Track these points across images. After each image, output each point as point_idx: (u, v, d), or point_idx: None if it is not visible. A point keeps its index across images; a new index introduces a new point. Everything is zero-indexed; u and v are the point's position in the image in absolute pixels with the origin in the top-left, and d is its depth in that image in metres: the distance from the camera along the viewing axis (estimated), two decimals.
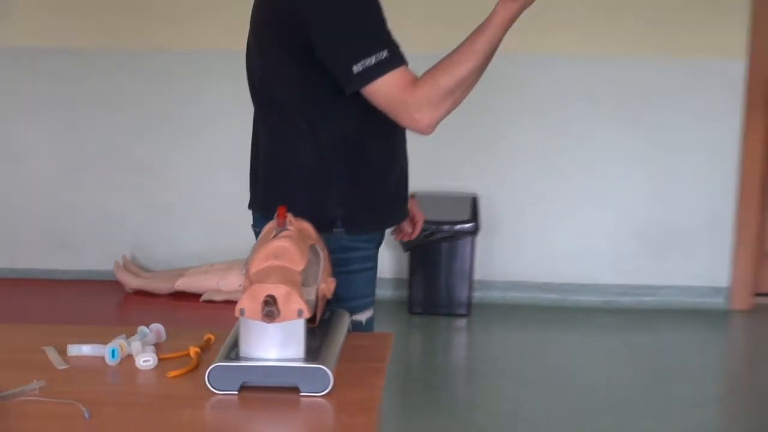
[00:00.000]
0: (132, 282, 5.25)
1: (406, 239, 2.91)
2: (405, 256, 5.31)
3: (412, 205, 2.83)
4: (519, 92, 5.33)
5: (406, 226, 2.85)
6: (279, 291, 2.05)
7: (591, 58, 5.28)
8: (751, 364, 5.07)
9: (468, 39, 2.36)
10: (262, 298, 2.04)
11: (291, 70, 2.48)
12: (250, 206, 2.71)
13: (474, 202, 5.27)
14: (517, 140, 5.37)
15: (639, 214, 5.43)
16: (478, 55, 2.34)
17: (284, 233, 2.17)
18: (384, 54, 2.32)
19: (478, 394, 4.56)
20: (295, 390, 2.08)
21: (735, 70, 5.28)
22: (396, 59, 2.34)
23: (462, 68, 2.34)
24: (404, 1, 4.88)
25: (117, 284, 5.29)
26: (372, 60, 2.31)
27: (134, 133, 5.46)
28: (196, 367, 2.20)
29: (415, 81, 2.34)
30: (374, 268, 2.66)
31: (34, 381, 2.10)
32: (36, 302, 5.12)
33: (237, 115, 5.27)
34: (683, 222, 5.42)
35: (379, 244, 2.70)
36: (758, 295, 5.53)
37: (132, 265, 5.37)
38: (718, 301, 5.45)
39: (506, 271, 5.47)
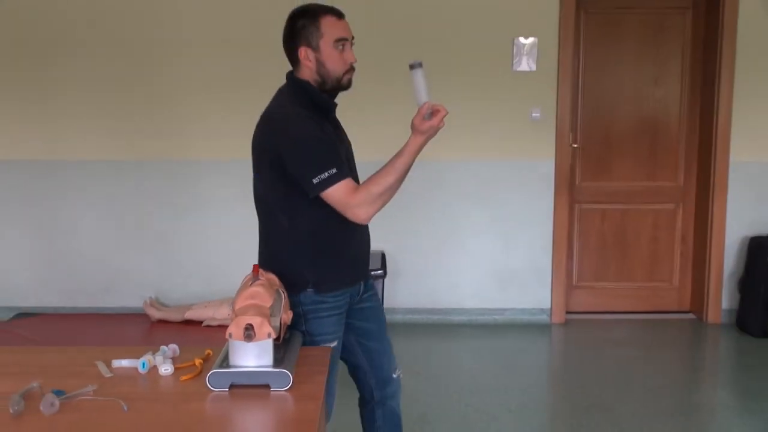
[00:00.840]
0: (155, 314, 5.15)
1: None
2: None
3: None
4: (413, 185, 5.36)
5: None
6: (255, 321, 2.05)
7: (458, 161, 5.35)
8: (566, 359, 5.11)
9: (391, 159, 2.38)
10: (243, 325, 2.04)
11: (274, 182, 2.45)
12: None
13: (383, 256, 5.27)
14: (413, 216, 5.39)
15: (490, 261, 5.47)
16: (397, 171, 2.37)
17: (257, 282, 2.18)
18: (333, 170, 2.32)
19: None
20: (267, 387, 2.07)
21: (547, 167, 5.36)
22: (341, 174, 2.33)
23: (387, 180, 2.36)
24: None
25: (145, 316, 5.18)
26: (325, 174, 2.31)
27: (156, 215, 5.41)
28: (200, 373, 2.18)
29: (356, 188, 2.36)
30: (339, 313, 2.55)
31: (89, 385, 2.08)
32: (90, 331, 5.00)
33: (226, 204, 5.32)
34: (519, 265, 5.48)
35: (360, 291, 2.64)
36: (569, 312, 5.58)
37: (155, 302, 5.27)
38: (543, 318, 5.49)
39: (405, 301, 5.47)
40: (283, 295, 2.29)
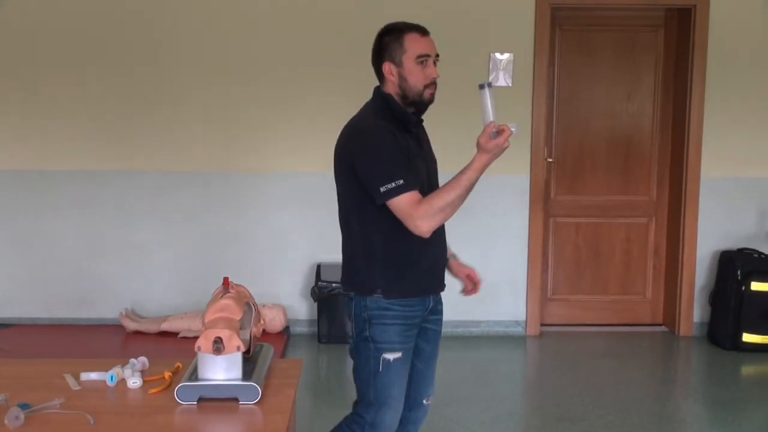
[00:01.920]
0: (131, 326, 5.12)
1: (472, 294, 2.85)
2: (315, 304, 5.25)
3: (459, 268, 2.83)
4: None
5: (467, 285, 2.84)
6: (224, 334, 2.03)
7: None
8: (541, 370, 5.11)
9: (456, 175, 2.41)
10: (212, 338, 2.02)
11: (349, 189, 2.52)
12: None
13: None
14: None
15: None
16: (461, 187, 2.39)
17: (228, 295, 2.16)
18: (400, 181, 2.36)
19: None
20: (236, 400, 2.05)
21: (522, 181, 5.38)
22: (407, 186, 2.37)
23: (450, 195, 2.39)
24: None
25: (121, 327, 5.16)
26: (392, 185, 2.36)
27: (133, 227, 5.36)
28: (169, 386, 2.16)
29: (420, 200, 2.38)
30: (405, 324, 2.54)
31: (56, 398, 2.05)
32: (65, 342, 4.97)
33: (204, 216, 5.29)
34: (494, 278, 5.44)
35: (429, 308, 2.64)
36: (543, 325, 5.59)
37: (131, 314, 5.24)
38: (518, 330, 5.49)
39: None
40: (254, 307, 2.27)
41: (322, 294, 5.15)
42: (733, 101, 5.33)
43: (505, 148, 2.39)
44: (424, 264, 2.58)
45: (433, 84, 2.52)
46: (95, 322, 5.35)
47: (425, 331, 2.68)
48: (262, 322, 2.32)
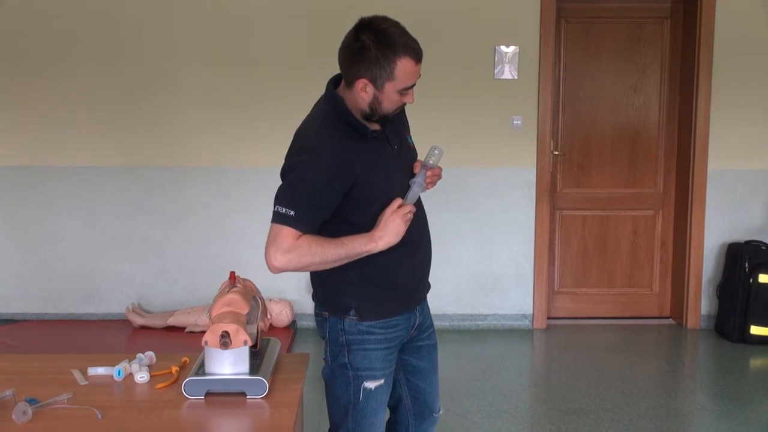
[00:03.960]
0: (138, 320, 5.12)
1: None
2: None
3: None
4: None
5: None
6: (231, 328, 2.02)
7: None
8: (547, 364, 5.10)
9: (343, 243, 2.14)
10: (219, 333, 2.02)
11: None
12: None
13: None
14: None
15: (472, 267, 5.46)
16: (341, 257, 2.14)
17: (234, 289, 2.16)
18: (292, 213, 2.08)
19: None
20: (243, 394, 2.05)
21: (528, 174, 5.36)
22: (296, 222, 2.08)
23: (325, 257, 2.12)
24: None
25: (127, 322, 5.17)
26: (283, 210, 2.09)
27: (139, 222, 5.36)
28: (176, 381, 2.16)
29: (296, 239, 2.09)
30: (388, 347, 2.29)
31: (64, 393, 2.05)
32: (72, 337, 4.98)
33: (210, 211, 5.29)
34: (501, 272, 5.47)
35: (415, 325, 2.38)
36: (550, 318, 5.58)
37: (138, 309, 5.25)
38: (525, 323, 5.48)
39: None
40: (261, 302, 2.26)
41: None
42: (740, 93, 5.30)
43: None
44: (401, 280, 2.31)
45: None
46: (102, 318, 5.36)
47: (418, 350, 2.44)
48: (268, 316, 2.32)
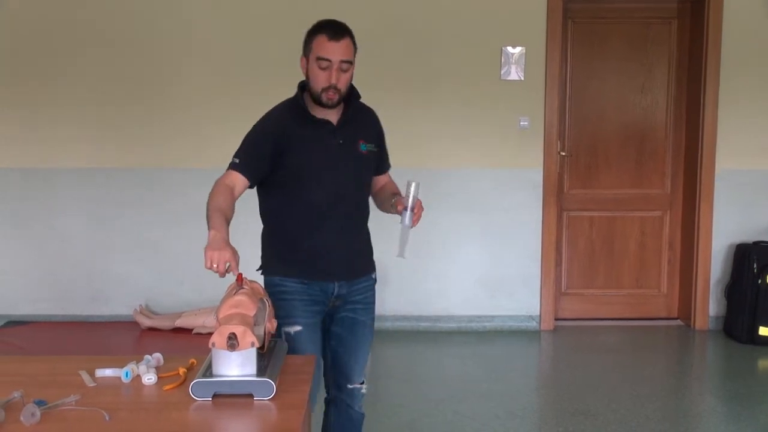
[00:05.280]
0: (145, 322, 5.13)
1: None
2: None
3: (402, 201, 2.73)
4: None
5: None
6: (238, 330, 2.02)
7: (446, 169, 5.33)
8: (555, 365, 5.10)
9: (212, 213, 2.56)
10: (227, 334, 2.02)
11: None
12: None
13: None
14: (398, 226, 5.36)
15: (480, 269, 5.45)
16: (207, 215, 2.59)
17: (241, 291, 2.16)
18: (236, 160, 2.58)
19: (377, 390, 4.50)
20: (250, 396, 2.05)
21: (535, 175, 5.35)
22: (237, 166, 2.57)
23: (209, 203, 2.60)
24: None
25: (135, 324, 5.17)
26: (234, 159, 2.60)
27: (147, 223, 5.37)
28: (184, 382, 2.15)
29: (233, 182, 2.57)
30: (303, 299, 2.63)
31: (72, 395, 2.05)
32: (80, 339, 4.99)
33: None
34: (508, 273, 5.46)
35: (334, 294, 2.70)
36: (557, 319, 5.57)
37: (145, 310, 5.26)
38: (532, 325, 5.47)
39: (394, 308, 5.44)
40: (268, 303, 2.26)
41: None
42: (747, 93, 5.29)
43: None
44: (305, 249, 2.65)
45: (331, 89, 2.55)
46: (110, 319, 5.37)
47: (341, 320, 2.75)
48: (275, 318, 2.32)
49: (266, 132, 2.61)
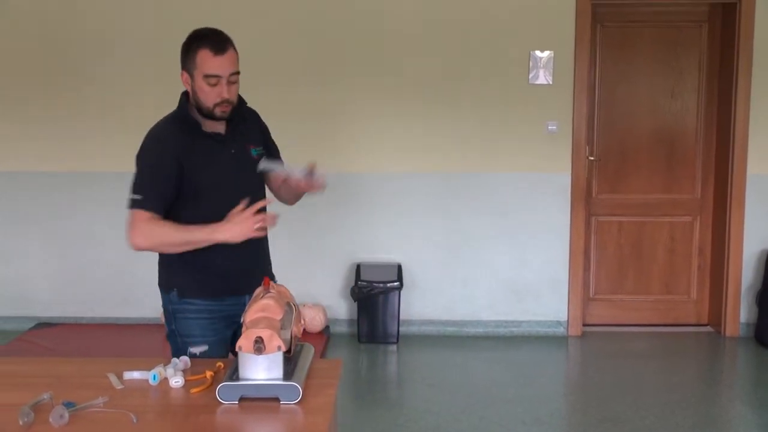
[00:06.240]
0: None
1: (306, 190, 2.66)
2: (355, 304, 5.25)
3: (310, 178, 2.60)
4: (430, 196, 5.34)
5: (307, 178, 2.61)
6: (265, 333, 2.02)
7: (474, 173, 5.32)
8: (583, 371, 5.05)
9: (197, 228, 2.44)
10: (253, 338, 2.02)
11: None
12: None
13: (399, 268, 5.25)
14: (429, 227, 5.38)
15: (507, 274, 5.42)
16: (190, 242, 2.46)
17: (268, 295, 2.16)
18: (139, 197, 2.45)
19: (404, 394, 4.51)
20: (276, 399, 2.05)
21: (563, 180, 5.31)
22: (143, 203, 2.44)
23: (175, 238, 2.46)
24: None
25: (163, 327, 5.10)
26: (135, 196, 2.47)
27: None
28: (211, 386, 2.16)
29: (149, 219, 2.43)
30: (208, 318, 2.58)
31: (100, 397, 2.07)
32: (108, 341, 5.03)
33: None
34: (535, 278, 5.43)
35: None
36: (585, 325, 5.52)
37: None
38: (560, 330, 5.43)
39: (421, 312, 5.43)
40: (294, 307, 2.26)
41: (361, 293, 5.15)
42: None
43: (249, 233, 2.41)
44: (221, 268, 2.56)
45: (225, 103, 2.46)
46: (138, 322, 5.41)
47: None
48: (302, 321, 2.32)
49: (164, 156, 2.48)
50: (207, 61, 2.42)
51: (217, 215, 2.46)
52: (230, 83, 2.46)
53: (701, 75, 5.41)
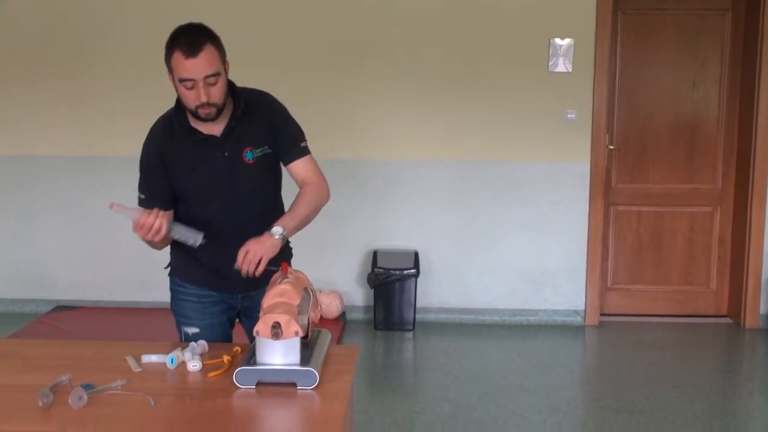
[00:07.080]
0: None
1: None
2: (371, 291, 5.26)
3: None
4: (447, 184, 5.33)
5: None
6: (282, 319, 2.03)
7: (492, 161, 5.30)
8: (600, 361, 5.04)
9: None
10: (271, 323, 2.02)
11: None
12: None
13: (416, 255, 5.25)
14: (446, 216, 5.37)
15: (524, 262, 5.41)
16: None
17: (286, 280, 2.16)
18: (142, 197, 2.57)
19: (420, 382, 4.51)
20: (293, 385, 2.05)
21: (582, 168, 5.28)
22: (147, 204, 2.51)
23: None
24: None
25: None
26: (138, 194, 2.60)
27: None
28: (228, 370, 2.17)
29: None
30: (201, 302, 2.63)
31: (118, 380, 2.08)
32: (126, 324, 5.06)
33: None
34: (553, 267, 5.41)
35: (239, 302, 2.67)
36: (603, 315, 5.50)
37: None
38: (577, 320, 5.41)
39: (437, 300, 5.43)
40: (312, 293, 2.26)
41: (378, 280, 5.16)
42: None
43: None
44: (203, 264, 2.60)
45: (205, 105, 2.35)
46: (156, 306, 5.41)
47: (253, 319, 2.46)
48: (319, 307, 2.32)
49: (150, 161, 2.53)
50: (179, 64, 2.32)
51: (208, 218, 2.50)
52: (209, 85, 2.33)
53: (723, 64, 5.34)
